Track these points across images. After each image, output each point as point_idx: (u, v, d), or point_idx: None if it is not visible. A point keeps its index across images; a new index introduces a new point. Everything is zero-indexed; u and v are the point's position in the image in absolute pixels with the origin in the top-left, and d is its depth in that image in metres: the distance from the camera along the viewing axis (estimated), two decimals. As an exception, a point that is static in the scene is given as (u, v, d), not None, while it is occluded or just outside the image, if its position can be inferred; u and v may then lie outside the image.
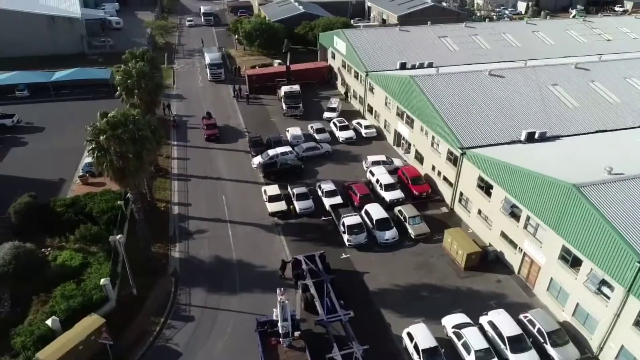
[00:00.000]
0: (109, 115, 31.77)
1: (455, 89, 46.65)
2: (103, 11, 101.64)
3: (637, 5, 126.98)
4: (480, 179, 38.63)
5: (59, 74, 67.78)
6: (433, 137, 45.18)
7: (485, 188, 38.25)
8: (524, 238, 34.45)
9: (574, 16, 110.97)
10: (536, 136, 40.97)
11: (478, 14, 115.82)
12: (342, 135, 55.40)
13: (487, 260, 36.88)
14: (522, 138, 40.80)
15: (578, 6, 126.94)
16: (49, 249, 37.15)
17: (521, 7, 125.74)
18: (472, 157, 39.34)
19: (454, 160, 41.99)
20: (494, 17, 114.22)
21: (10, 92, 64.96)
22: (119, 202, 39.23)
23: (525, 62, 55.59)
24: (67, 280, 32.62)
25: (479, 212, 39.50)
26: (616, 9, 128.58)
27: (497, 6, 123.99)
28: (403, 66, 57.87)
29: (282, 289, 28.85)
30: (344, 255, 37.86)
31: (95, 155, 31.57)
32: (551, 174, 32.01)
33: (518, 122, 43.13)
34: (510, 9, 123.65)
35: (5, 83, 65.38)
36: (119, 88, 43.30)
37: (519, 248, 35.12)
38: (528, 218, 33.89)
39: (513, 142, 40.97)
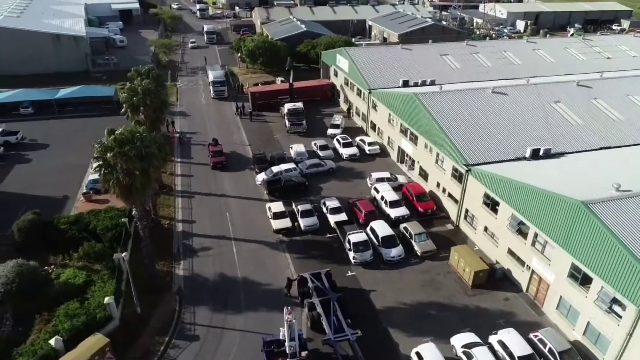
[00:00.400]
0: (116, 132, 31.81)
1: (459, 106, 46.88)
2: (107, 30, 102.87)
3: (635, 24, 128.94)
4: (486, 195, 38.52)
5: (63, 92, 68.19)
6: (437, 154, 45.22)
7: (491, 205, 38.11)
8: (532, 255, 34.18)
9: (572, 35, 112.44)
10: (541, 153, 41.02)
11: (477, 33, 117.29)
12: (345, 152, 55.47)
13: (494, 278, 36.57)
14: (527, 155, 40.85)
15: (576, 25, 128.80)
16: (52, 266, 36.81)
17: (520, 25, 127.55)
18: (478, 174, 39.30)
19: (459, 177, 41.93)
20: (493, 35, 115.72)
21: (14, 109, 65.17)
22: (123, 219, 38.99)
23: (527, 79, 56.01)
24: (71, 298, 32.25)
25: (485, 229, 39.29)
26: (614, 27, 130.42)
27: (497, 25, 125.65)
28: (406, 84, 58.25)
29: (290, 307, 28.46)
30: (349, 273, 37.53)
31: (102, 172, 31.54)
32: (558, 190, 31.93)
33: (522, 139, 43.24)
34: (509, 28, 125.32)
35: (10, 100, 65.70)
36: (124, 105, 43.44)
37: (527, 265, 34.82)
38: (536, 235, 33.68)
39: (518, 158, 41.03)
